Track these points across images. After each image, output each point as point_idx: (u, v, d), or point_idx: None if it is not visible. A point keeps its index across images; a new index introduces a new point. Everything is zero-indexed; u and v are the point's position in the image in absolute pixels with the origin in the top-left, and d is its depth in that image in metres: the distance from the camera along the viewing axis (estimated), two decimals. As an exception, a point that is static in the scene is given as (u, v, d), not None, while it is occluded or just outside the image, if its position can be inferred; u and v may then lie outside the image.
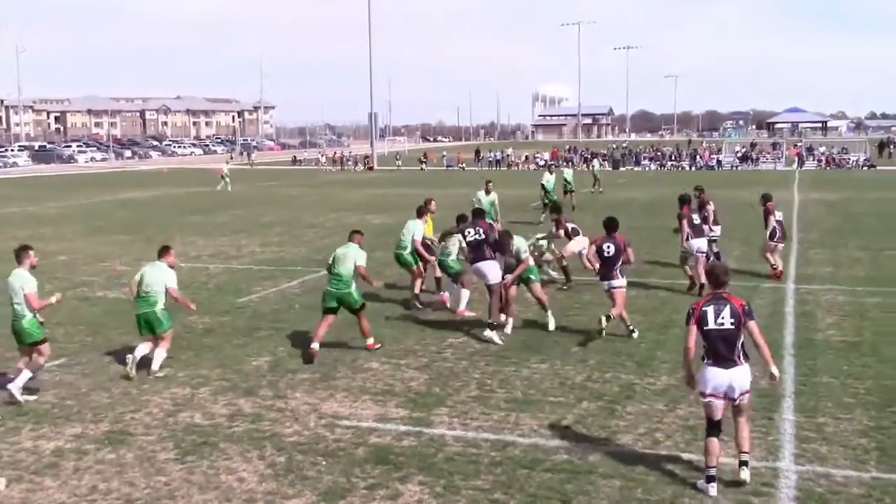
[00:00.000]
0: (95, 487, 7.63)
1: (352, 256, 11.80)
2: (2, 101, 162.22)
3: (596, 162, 53.50)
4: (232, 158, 57.34)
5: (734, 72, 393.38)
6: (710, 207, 18.44)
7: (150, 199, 42.10)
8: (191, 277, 18.03)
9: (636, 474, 7.69)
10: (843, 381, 10.27)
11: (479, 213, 13.71)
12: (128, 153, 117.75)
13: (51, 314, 14.80)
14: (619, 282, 12.62)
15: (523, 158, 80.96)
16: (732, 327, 7.42)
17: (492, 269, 12.73)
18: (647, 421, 9.04)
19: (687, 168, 72.41)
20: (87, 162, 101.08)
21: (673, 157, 76.23)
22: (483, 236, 12.85)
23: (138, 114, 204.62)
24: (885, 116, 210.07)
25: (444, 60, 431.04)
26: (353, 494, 7.39)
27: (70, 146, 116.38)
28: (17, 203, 40.68)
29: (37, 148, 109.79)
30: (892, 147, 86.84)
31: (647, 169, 72.40)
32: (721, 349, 7.38)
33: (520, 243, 13.20)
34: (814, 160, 73.97)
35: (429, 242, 15.38)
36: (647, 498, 7.21)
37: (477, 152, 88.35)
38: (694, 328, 7.48)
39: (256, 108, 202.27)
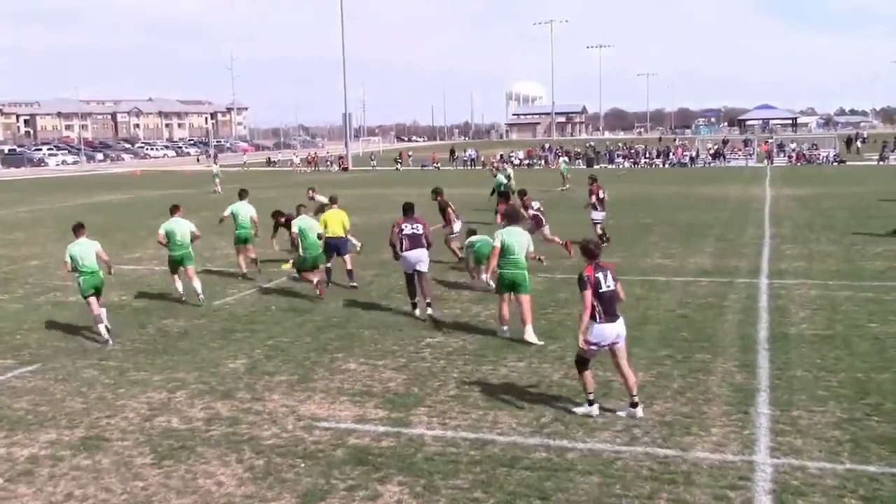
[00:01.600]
0: (71, 494, 7.55)
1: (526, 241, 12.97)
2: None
3: (562, 161, 53.43)
4: (198, 161, 57.00)
5: (706, 70, 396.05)
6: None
7: (123, 203, 41.76)
8: (165, 281, 17.89)
9: (614, 471, 7.73)
10: (816, 375, 10.37)
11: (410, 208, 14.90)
12: (100, 156, 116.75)
13: (22, 319, 14.66)
14: None
15: (498, 157, 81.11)
16: (614, 288, 9.21)
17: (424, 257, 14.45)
18: (624, 417, 9.08)
19: (660, 165, 72.85)
20: (58, 165, 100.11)
21: (646, 155, 76.66)
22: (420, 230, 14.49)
23: (110, 116, 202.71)
24: (853, 112, 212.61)
25: (417, 60, 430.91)
26: (333, 496, 7.37)
27: (40, 149, 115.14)
28: (-13, 208, 40.17)
29: (6, 151, 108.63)
30: (859, 142, 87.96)
31: (620, 167, 72.76)
32: (609, 307, 9.09)
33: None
34: (784, 156, 74.69)
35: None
36: (626, 493, 7.25)
37: (451, 152, 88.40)
38: (589, 292, 9.03)
39: (229, 110, 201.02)
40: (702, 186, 44.28)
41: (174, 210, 16.08)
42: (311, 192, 20.37)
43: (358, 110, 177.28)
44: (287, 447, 8.49)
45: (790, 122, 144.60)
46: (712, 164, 71.65)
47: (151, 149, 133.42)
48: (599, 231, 22.20)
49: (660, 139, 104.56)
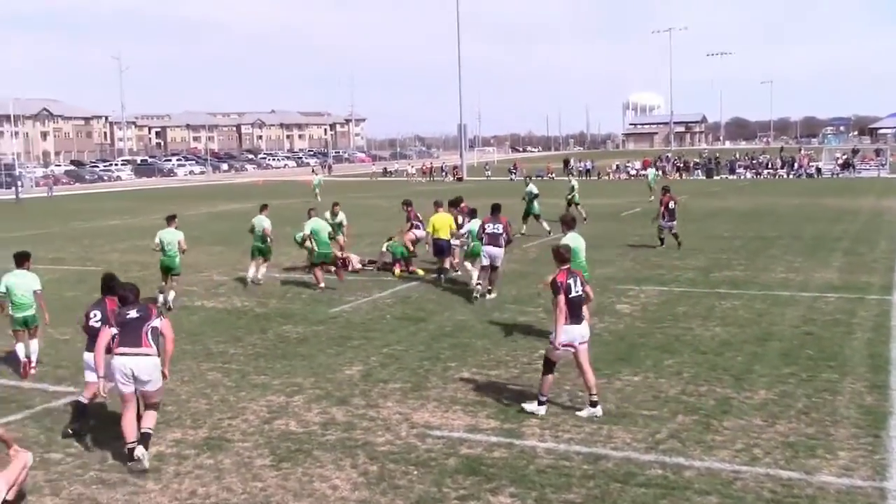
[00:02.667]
0: (195, 492, 7.85)
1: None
2: (107, 118, 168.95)
3: (650, 171, 51.42)
4: (314, 172, 58.76)
5: (834, 76, 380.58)
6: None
7: (245, 211, 43.17)
8: (285, 288, 18.45)
9: (733, 491, 7.50)
10: (955, 398, 9.80)
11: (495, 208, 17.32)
12: (224, 166, 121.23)
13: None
14: None
15: (614, 168, 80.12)
16: (582, 293, 9.84)
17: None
18: (745, 436, 8.80)
19: (784, 176, 70.39)
20: (185, 175, 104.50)
21: (769, 165, 74.20)
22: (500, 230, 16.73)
23: (234, 128, 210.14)
24: None
25: (533, 70, 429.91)
26: (445, 505, 7.41)
27: (170, 160, 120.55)
28: (119, 215, 42.31)
29: (139, 162, 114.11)
30: None
31: (742, 177, 70.69)
32: (576, 310, 9.68)
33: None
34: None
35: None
36: (746, 516, 7.01)
37: (566, 162, 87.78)
38: (562, 297, 9.56)
39: (347, 121, 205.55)
40: (829, 198, 42.54)
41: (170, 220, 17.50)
42: (311, 211, 19.73)
43: (473, 120, 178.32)
44: (400, 454, 8.59)
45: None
46: (840, 175, 68.75)
47: (273, 159, 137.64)
48: (665, 235, 23.86)
49: (781, 149, 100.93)
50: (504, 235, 16.66)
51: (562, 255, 10.05)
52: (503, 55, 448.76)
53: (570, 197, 33.05)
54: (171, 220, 17.63)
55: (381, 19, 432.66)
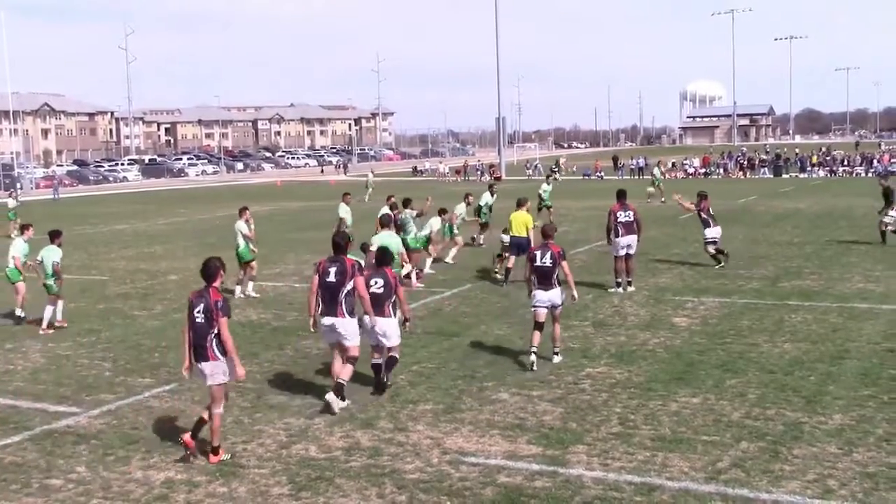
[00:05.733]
0: (206, 523, 7.91)
1: None
2: (112, 114, 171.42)
3: (657, 170, 50.89)
4: (336, 170, 59.59)
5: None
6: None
7: (263, 215, 43.53)
8: (304, 298, 18.52)
9: (805, 527, 7.41)
10: None
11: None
12: (239, 165, 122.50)
13: (160, 337, 15.50)
14: None
15: (670, 165, 79.63)
16: (550, 265, 12.74)
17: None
18: (818, 466, 8.69)
19: (862, 174, 69.51)
20: (197, 175, 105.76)
21: (845, 162, 73.34)
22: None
23: (250, 124, 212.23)
24: None
25: (580, 58, 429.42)
26: (481, 539, 7.39)
27: (180, 159, 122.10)
28: (126, 220, 42.89)
29: (147, 161, 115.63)
30: None
31: (813, 175, 69.95)
32: (542, 278, 12.77)
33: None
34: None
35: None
36: (819, 555, 6.92)
37: (615, 159, 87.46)
38: (529, 264, 12.98)
39: (374, 115, 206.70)
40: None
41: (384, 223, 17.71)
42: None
43: (512, 114, 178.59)
44: (431, 482, 8.59)
45: None
46: (925, 173, 67.70)
47: (292, 157, 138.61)
48: (712, 250, 21.75)
49: (857, 144, 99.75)
50: (636, 223, 18.60)
51: (545, 233, 13.36)
52: (546, 42, 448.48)
53: (545, 202, 35.05)
54: (242, 211, 19.98)
55: (410, 2, 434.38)
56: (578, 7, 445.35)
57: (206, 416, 9.48)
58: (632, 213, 18.63)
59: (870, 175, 67.92)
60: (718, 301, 17.10)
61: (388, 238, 16.40)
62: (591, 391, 11.46)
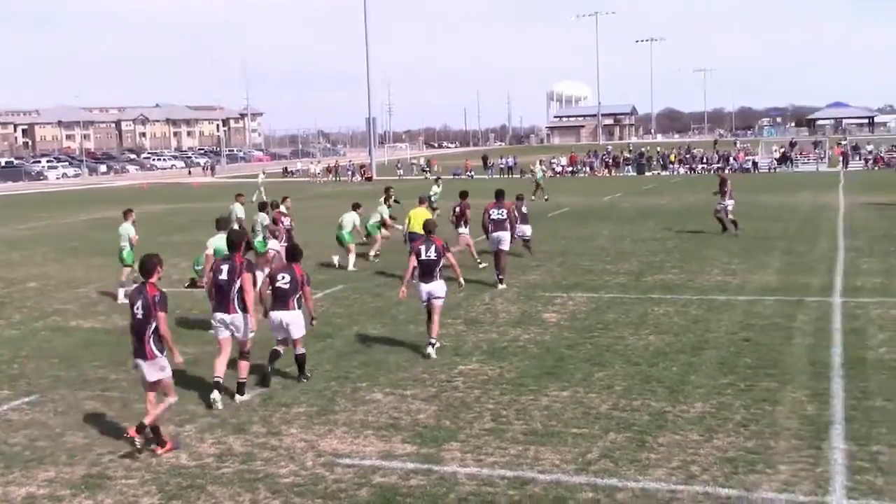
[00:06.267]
0: (71, 538, 7.63)
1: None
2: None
3: (538, 168, 52.45)
4: (204, 172, 58.68)
5: (770, 65, 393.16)
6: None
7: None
8: (174, 303, 18.00)
9: (670, 512, 7.66)
10: (898, 405, 10.22)
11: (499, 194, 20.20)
12: (103, 168, 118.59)
13: (19, 347, 14.87)
14: None
15: (537, 164, 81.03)
16: (435, 258, 13.28)
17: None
18: (682, 453, 9.00)
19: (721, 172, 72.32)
20: (58, 178, 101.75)
21: (704, 160, 76.27)
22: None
23: (114, 125, 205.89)
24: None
25: (449, 59, 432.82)
26: (357, 540, 7.37)
27: (39, 161, 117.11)
28: (-19, 225, 40.87)
29: (3, 164, 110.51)
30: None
31: (675, 173, 72.44)
32: (426, 271, 13.33)
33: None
34: (860, 159, 73.96)
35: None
36: (683, 539, 7.17)
37: (485, 159, 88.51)
38: (414, 257, 13.46)
39: (243, 116, 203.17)
40: (766, 194, 43.93)
41: (221, 225, 16.27)
42: None
43: (383, 114, 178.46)
44: (306, 486, 8.52)
45: (866, 121, 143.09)
46: (778, 170, 71.11)
47: (158, 159, 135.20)
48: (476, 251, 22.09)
49: (715, 142, 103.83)
50: (508, 221, 19.58)
51: (427, 228, 14.04)
52: (416, 42, 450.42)
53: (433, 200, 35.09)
54: (127, 213, 20.07)
55: (279, 1, 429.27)
56: (446, 7, 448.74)
57: (148, 419, 9.54)
58: (504, 212, 19.55)
59: (727, 172, 70.85)
60: (586, 296, 17.52)
61: (220, 241, 16.10)
62: (464, 388, 11.57)
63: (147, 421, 9.47)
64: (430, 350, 13.18)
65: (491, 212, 19.59)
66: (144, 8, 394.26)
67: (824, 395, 10.66)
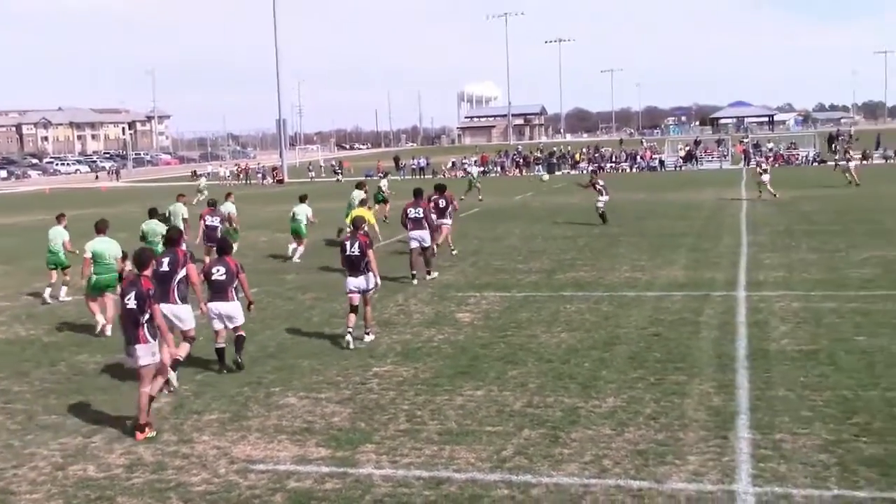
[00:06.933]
0: (-27, 556, 7.38)
1: None
2: None
3: (474, 169, 52.95)
4: (110, 176, 57.64)
5: (675, 65, 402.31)
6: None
7: (30, 225, 41.03)
8: (79, 310, 17.61)
9: (584, 506, 7.77)
10: (799, 394, 10.55)
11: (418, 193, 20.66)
12: (3, 173, 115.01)
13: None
14: None
15: (449, 165, 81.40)
16: (359, 254, 13.98)
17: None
18: (594, 447, 9.14)
19: (628, 170, 73.75)
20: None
21: (613, 159, 77.61)
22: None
23: (14, 128, 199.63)
24: (833, 108, 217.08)
25: (359, 60, 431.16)
26: (272, 547, 7.29)
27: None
28: None
29: None
30: (841, 140, 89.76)
31: (584, 172, 73.50)
32: (351, 266, 14.05)
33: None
34: (761, 157, 76.11)
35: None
36: (597, 532, 7.27)
37: (396, 160, 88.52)
38: (341, 254, 14.24)
39: (149, 118, 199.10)
40: (673, 192, 44.91)
41: (100, 228, 16.49)
42: None
43: (293, 116, 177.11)
44: (219, 493, 8.38)
45: (767, 119, 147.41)
46: (684, 168, 72.80)
47: (62, 164, 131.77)
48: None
49: (621, 141, 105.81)
50: (425, 219, 19.84)
51: (355, 224, 14.88)
52: (327, 42, 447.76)
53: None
54: (60, 217, 19.89)
55: (187, 2, 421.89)
56: (356, 6, 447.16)
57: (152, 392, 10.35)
58: (422, 210, 19.93)
59: (634, 171, 72.21)
60: (499, 295, 17.65)
61: (101, 244, 16.10)
62: (379, 390, 11.55)
63: (152, 393, 10.31)
64: (367, 337, 14.07)
65: (409, 210, 20.03)
66: (45, 7, 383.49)
67: (730, 387, 10.94)
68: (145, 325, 10.08)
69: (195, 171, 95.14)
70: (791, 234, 25.50)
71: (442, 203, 22.46)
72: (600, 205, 30.04)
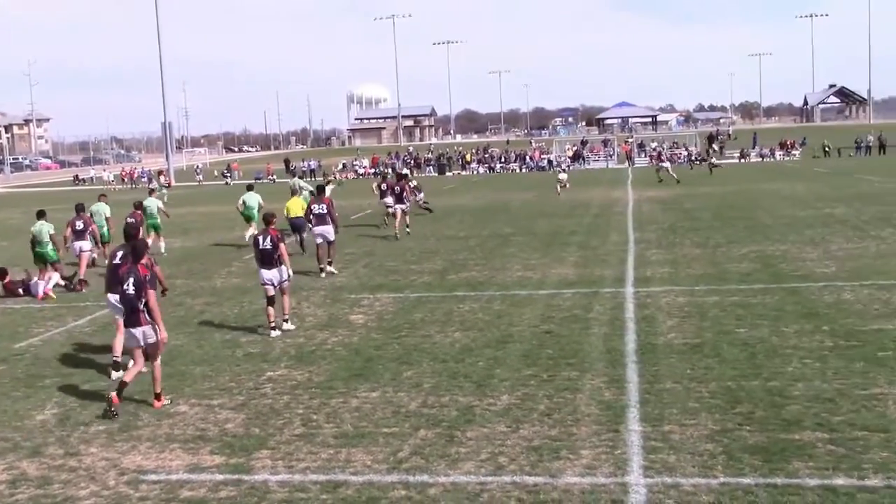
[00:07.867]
0: None
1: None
2: None
3: (389, 170, 53.31)
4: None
5: (561, 67, 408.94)
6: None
7: None
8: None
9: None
10: (686, 386, 10.86)
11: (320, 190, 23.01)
12: None
13: None
14: None
15: (340, 167, 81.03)
16: (271, 247, 14.69)
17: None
18: (490, 445, 9.22)
19: (517, 170, 74.65)
20: None
21: (502, 160, 78.46)
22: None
23: None
24: (712, 108, 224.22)
25: (247, 61, 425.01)
26: (165, 559, 7.12)
27: None
28: None
29: None
30: (721, 139, 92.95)
31: (475, 172, 74.09)
32: (264, 259, 14.81)
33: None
34: (645, 156, 78.09)
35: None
36: (494, 528, 7.34)
37: (286, 162, 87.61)
38: (255, 248, 15.09)
39: (27, 122, 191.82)
40: (561, 191, 45.61)
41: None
42: None
43: (179, 118, 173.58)
44: (109, 507, 8.15)
45: (650, 120, 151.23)
46: (571, 167, 74.05)
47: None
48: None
49: (507, 142, 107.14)
50: (329, 215, 20.86)
51: (266, 219, 15.49)
52: (214, 45, 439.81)
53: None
54: (41, 214, 20.93)
55: (66, 2, 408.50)
56: (243, 7, 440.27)
57: (127, 378, 11.10)
58: (325, 206, 21.06)
59: (523, 171, 73.15)
60: (392, 297, 17.64)
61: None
62: (273, 395, 11.41)
63: (126, 379, 11.09)
64: (285, 325, 14.90)
65: (312, 207, 21.39)
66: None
67: (620, 381, 11.19)
68: (143, 309, 11.07)
69: (77, 176, 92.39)
70: (675, 230, 26.24)
71: (397, 189, 27.53)
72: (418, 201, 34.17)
